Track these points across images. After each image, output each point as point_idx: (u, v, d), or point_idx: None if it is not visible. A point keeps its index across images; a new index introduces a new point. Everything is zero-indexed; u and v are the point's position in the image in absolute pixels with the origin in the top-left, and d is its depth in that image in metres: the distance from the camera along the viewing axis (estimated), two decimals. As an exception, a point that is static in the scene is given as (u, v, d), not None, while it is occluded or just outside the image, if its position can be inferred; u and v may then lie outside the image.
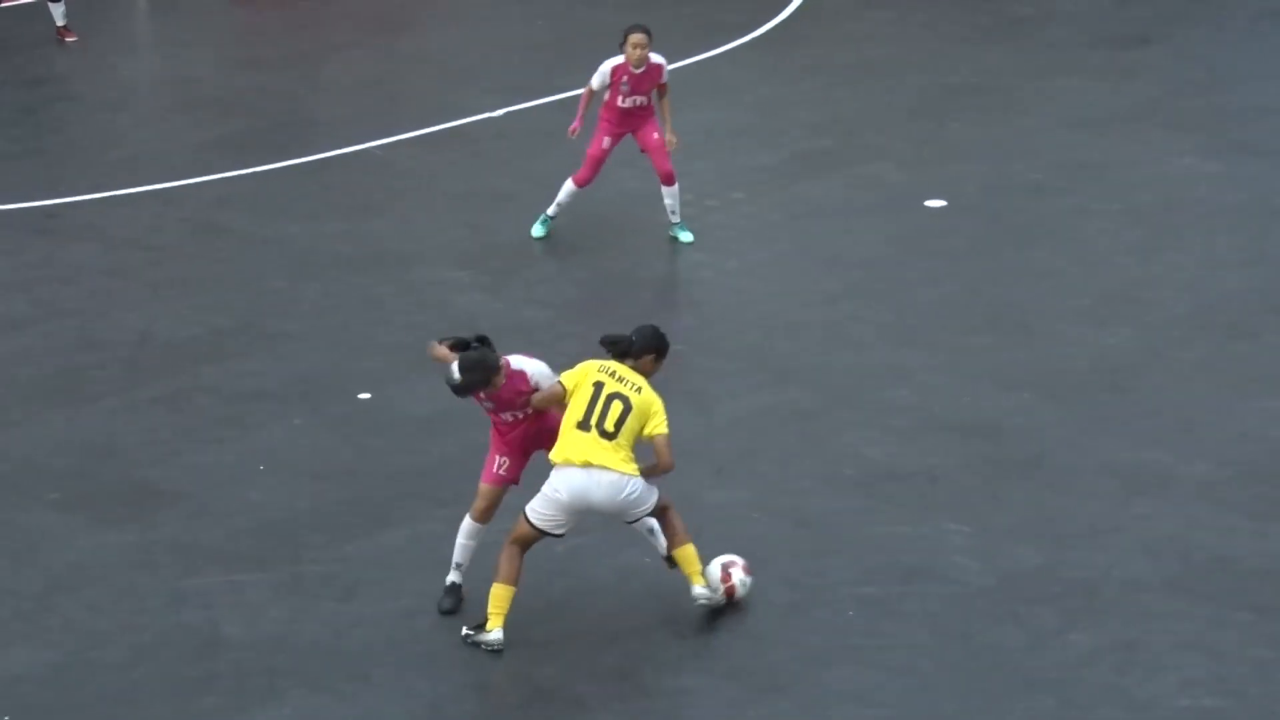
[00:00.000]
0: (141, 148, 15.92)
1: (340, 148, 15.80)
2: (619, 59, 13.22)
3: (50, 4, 18.27)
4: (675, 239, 13.65)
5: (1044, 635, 8.77)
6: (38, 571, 9.44)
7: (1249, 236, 13.36)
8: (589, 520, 9.08)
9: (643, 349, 9.03)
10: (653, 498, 8.90)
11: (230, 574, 9.43)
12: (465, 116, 16.40)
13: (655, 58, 13.19)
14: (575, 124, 13.34)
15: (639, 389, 8.89)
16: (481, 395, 8.94)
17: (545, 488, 8.81)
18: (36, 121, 16.67)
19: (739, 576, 9.06)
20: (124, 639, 8.93)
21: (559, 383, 8.93)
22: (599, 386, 8.80)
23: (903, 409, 11.02)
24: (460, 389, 8.75)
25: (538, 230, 13.69)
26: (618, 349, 9.00)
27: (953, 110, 16.22)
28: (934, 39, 18.29)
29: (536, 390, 8.99)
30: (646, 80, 13.21)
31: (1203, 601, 8.93)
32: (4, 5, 18.73)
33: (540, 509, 8.83)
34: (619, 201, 14.58)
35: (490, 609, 8.81)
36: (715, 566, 9.06)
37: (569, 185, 13.56)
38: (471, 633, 8.87)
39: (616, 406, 8.75)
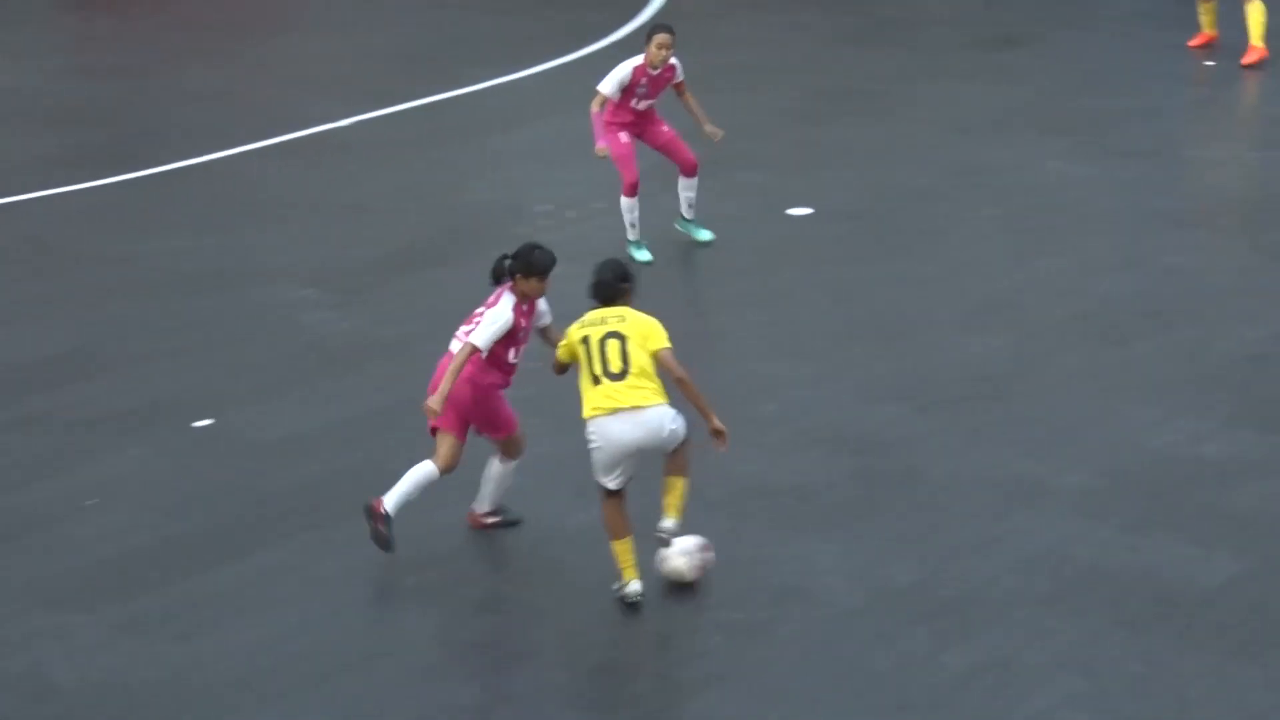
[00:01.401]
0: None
1: (182, 160, 15.56)
2: (638, 60, 13.07)
3: None
4: (691, 236, 13.54)
5: (917, 656, 8.74)
6: None
7: (1122, 240, 13.50)
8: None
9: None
10: (682, 421, 9.15)
11: (59, 615, 9.16)
12: (312, 126, 16.22)
13: (671, 58, 13.11)
14: (600, 142, 13.03)
15: (623, 318, 9.09)
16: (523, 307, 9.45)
17: (590, 440, 9.02)
18: None
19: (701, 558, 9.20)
20: (-55, 688, 8.64)
21: (561, 348, 9.22)
22: (586, 341, 9.04)
23: (771, 423, 10.98)
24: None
25: (644, 256, 13.35)
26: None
27: (824, 115, 16.28)
28: (804, 41, 18.37)
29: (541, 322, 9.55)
30: (661, 82, 13.13)
31: (1078, 616, 8.95)
32: None
33: (596, 467, 9.04)
34: (473, 212, 14.45)
35: (621, 564, 9.02)
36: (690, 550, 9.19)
37: (625, 202, 13.30)
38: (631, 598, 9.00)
39: (613, 345, 8.99)
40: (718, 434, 9.25)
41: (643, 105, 13.18)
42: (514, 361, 9.71)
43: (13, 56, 18.45)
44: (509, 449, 9.82)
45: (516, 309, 9.57)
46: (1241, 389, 11.18)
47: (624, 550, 9.15)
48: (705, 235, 13.65)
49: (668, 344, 9.15)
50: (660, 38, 13.06)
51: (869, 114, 16.23)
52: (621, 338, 9.05)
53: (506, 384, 9.74)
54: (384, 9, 19.96)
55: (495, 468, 9.88)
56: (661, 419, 9.05)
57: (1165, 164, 15.11)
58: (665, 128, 13.35)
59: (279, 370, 11.89)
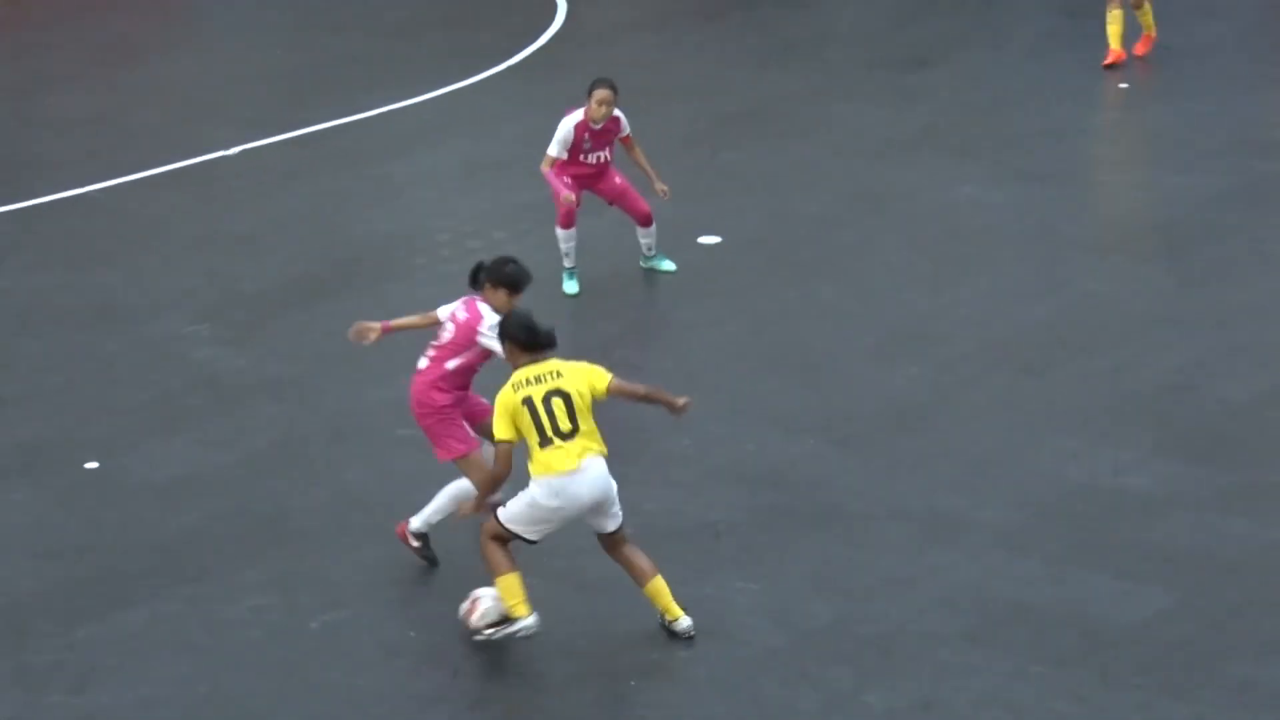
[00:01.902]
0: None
1: (59, 191, 15.48)
2: (578, 115, 13.24)
3: None
4: (655, 269, 13.72)
5: (839, 696, 8.90)
6: None
7: (1036, 267, 13.77)
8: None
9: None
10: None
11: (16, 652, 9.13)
12: (198, 155, 16.19)
13: (617, 113, 13.28)
14: (561, 194, 13.21)
15: (558, 373, 9.15)
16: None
17: (529, 496, 9.07)
18: None
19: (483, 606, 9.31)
20: None
21: (498, 443, 9.10)
22: (529, 401, 9.04)
23: (683, 459, 11.11)
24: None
25: (572, 288, 13.47)
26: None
27: (726, 139, 16.47)
28: (704, 63, 18.57)
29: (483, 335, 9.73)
30: (606, 135, 13.30)
31: (1001, 654, 9.15)
32: None
33: (519, 515, 9.10)
34: (370, 242, 14.49)
35: (509, 601, 9.10)
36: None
37: (560, 232, 13.44)
38: (495, 630, 9.11)
39: (558, 404, 9.07)
40: (684, 407, 9.47)
41: (593, 159, 13.36)
42: (467, 383, 9.93)
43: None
44: (467, 472, 9.87)
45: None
46: (1163, 418, 11.45)
47: (515, 584, 9.19)
48: (668, 265, 13.82)
49: (609, 375, 9.29)
50: (600, 93, 13.22)
51: (773, 137, 16.45)
52: (565, 395, 9.09)
53: (458, 404, 9.89)
54: (269, 31, 19.96)
55: (453, 487, 9.97)
56: (607, 474, 9.19)
57: (1079, 188, 15.43)
58: (618, 179, 13.50)
59: (169, 408, 11.88)
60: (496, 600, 9.27)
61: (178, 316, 13.20)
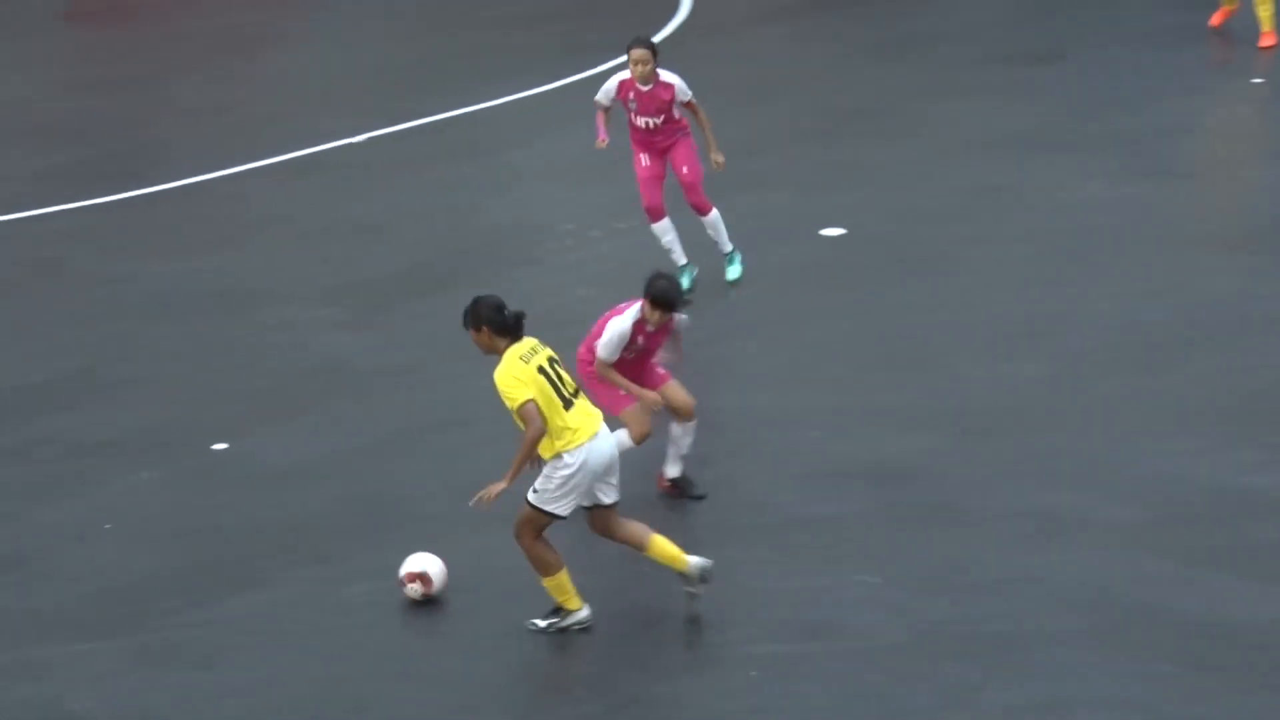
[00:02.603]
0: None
1: (188, 178, 15.63)
2: (626, 73, 12.92)
3: None
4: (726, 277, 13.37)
5: (959, 693, 8.79)
6: None
7: (1158, 264, 13.56)
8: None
9: (470, 323, 9.27)
10: None
11: (75, 643, 9.22)
12: (323, 143, 16.29)
13: (666, 76, 12.83)
14: (600, 136, 13.09)
15: (538, 346, 9.25)
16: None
17: (560, 472, 9.09)
18: None
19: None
20: (-42, 718, 8.71)
21: (526, 404, 9.02)
22: (543, 370, 9.14)
23: (802, 453, 11.03)
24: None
25: (686, 282, 13.19)
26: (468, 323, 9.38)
27: (850, 133, 16.36)
28: (827, 57, 18.46)
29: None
30: (654, 100, 12.85)
31: (1125, 654, 9.00)
32: None
33: (552, 493, 9.12)
34: (494, 232, 14.53)
35: (560, 599, 9.20)
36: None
37: (651, 228, 13.19)
38: (553, 622, 9.22)
39: (558, 369, 9.22)
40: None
41: (645, 123, 12.91)
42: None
43: (14, 69, 18.54)
44: (674, 411, 10.30)
45: (637, 325, 10.16)
46: (1288, 418, 11.23)
47: (564, 582, 9.25)
48: (734, 273, 13.47)
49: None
50: (634, 52, 12.78)
51: (893, 132, 16.31)
52: (556, 361, 9.26)
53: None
54: (391, 21, 20.06)
55: (673, 429, 10.34)
56: (611, 441, 9.34)
57: (1202, 185, 15.18)
58: (685, 169, 13.03)
59: (292, 394, 11.95)
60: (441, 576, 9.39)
61: (300, 302, 13.29)
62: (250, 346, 12.62)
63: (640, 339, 10.24)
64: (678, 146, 13.05)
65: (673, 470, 10.57)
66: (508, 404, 9.06)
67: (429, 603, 9.50)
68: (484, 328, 9.23)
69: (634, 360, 10.31)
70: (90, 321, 13.05)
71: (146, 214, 14.97)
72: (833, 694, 8.81)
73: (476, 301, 9.28)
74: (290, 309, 13.20)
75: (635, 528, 9.40)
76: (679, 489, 10.55)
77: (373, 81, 18.12)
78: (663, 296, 10.05)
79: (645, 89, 12.79)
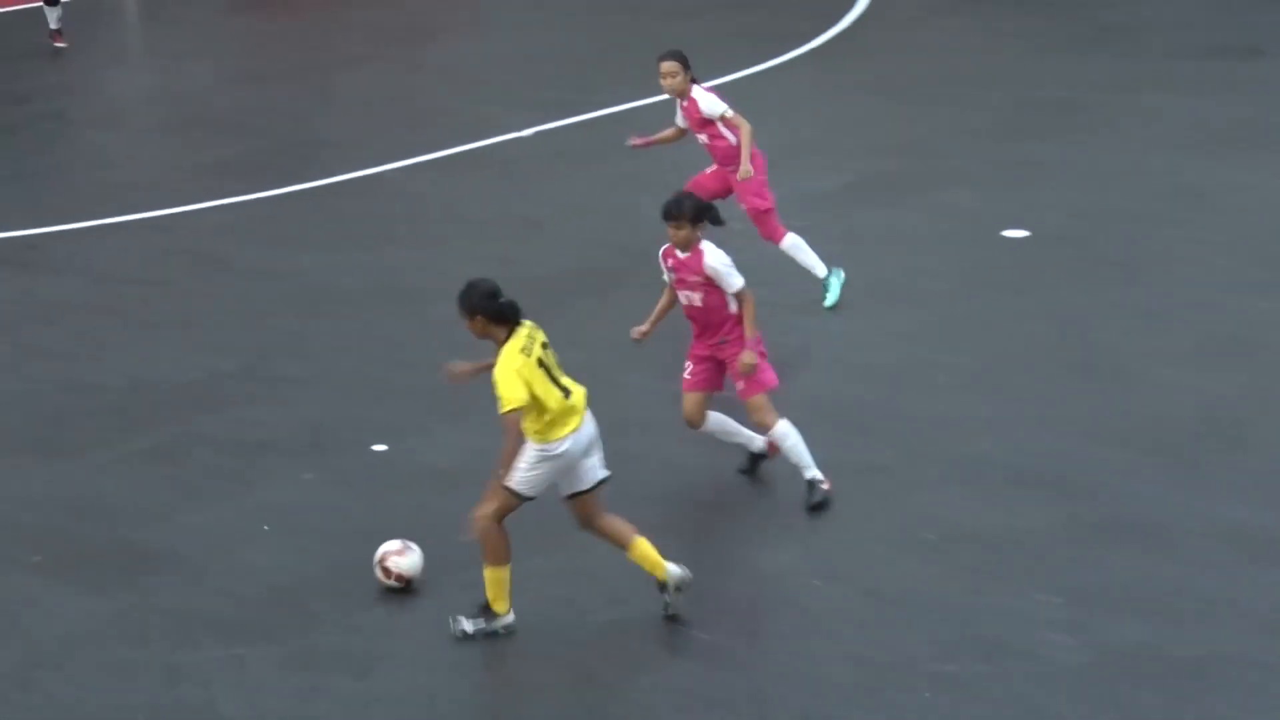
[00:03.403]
0: (134, 171, 16.00)
1: (354, 171, 15.84)
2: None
3: (45, 6, 18.43)
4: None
5: (1147, 721, 8.64)
6: (17, 643, 9.40)
7: (1372, 271, 13.25)
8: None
9: (463, 310, 9.30)
10: None
11: (231, 646, 9.37)
12: (491, 136, 16.44)
13: (697, 92, 12.82)
14: (638, 140, 13.33)
15: (534, 331, 9.30)
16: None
17: (545, 459, 9.18)
18: (18, 142, 16.77)
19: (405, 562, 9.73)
20: (113, 719, 8.87)
21: (513, 411, 9.09)
22: (543, 363, 9.23)
23: (986, 464, 10.92)
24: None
25: (830, 299, 13.21)
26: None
27: (1037, 129, 16.17)
28: (1016, 49, 18.26)
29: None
30: (690, 116, 12.94)
31: (1330, 684, 8.78)
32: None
33: (531, 479, 9.23)
34: (660, 230, 14.52)
35: (492, 594, 9.25)
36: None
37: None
38: (479, 626, 9.27)
39: (551, 355, 9.33)
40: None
41: (696, 135, 12.90)
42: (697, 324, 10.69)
43: (181, 60, 18.93)
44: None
45: (666, 250, 10.71)
46: None
47: (504, 579, 9.31)
48: (831, 297, 13.16)
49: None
50: (661, 65, 12.77)
51: (1088, 128, 16.09)
52: (546, 344, 9.36)
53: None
54: (563, 12, 20.19)
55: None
56: (593, 423, 9.43)
57: None
58: (736, 185, 12.86)
59: (456, 393, 12.00)
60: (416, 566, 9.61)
61: (467, 301, 13.37)
62: (414, 344, 12.75)
63: (670, 263, 10.58)
64: (727, 165, 12.94)
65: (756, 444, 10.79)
66: (499, 401, 9.15)
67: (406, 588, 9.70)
68: (477, 315, 9.31)
69: (699, 311, 10.53)
70: (253, 317, 13.27)
71: (311, 208, 15.19)
72: (1009, 718, 8.70)
73: (470, 287, 9.31)
74: (452, 307, 13.28)
75: (621, 525, 9.45)
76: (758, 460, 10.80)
77: (541, 74, 18.25)
78: (663, 207, 10.40)
79: (684, 104, 12.85)
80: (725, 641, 9.38)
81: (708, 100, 12.83)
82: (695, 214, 10.50)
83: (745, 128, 12.78)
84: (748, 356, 10.52)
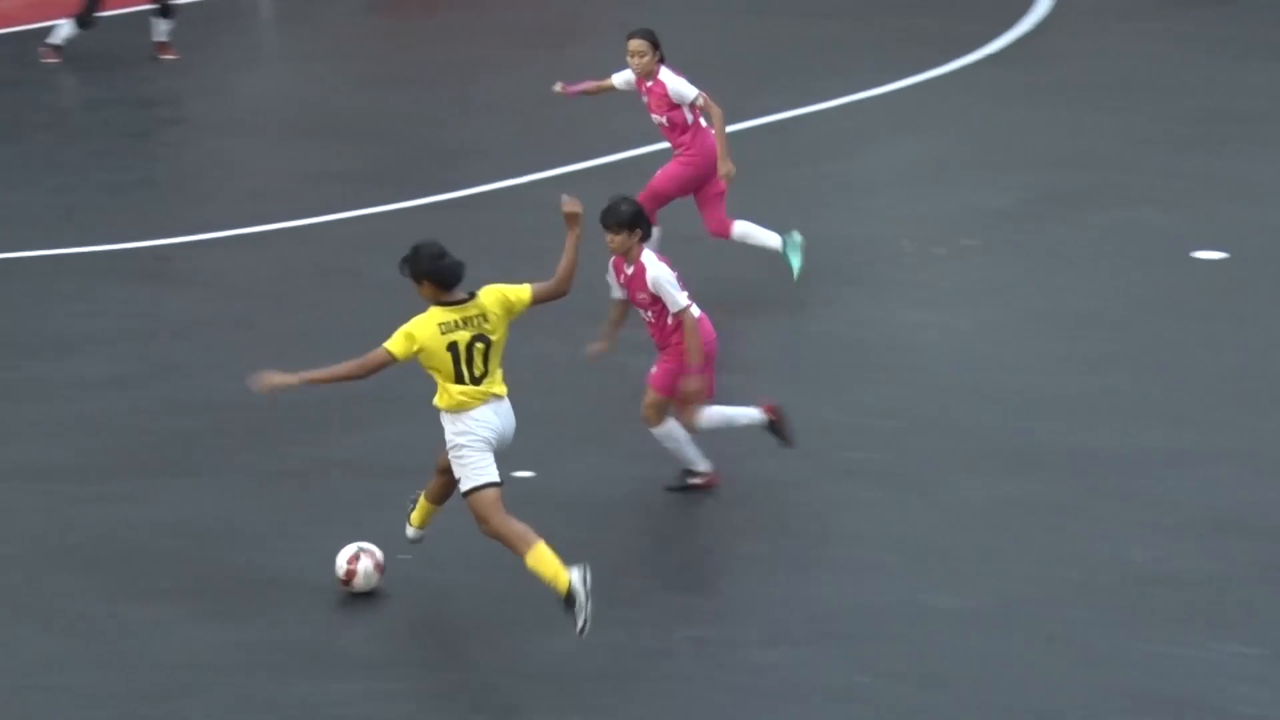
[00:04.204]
0: (263, 179, 16.26)
1: (495, 181, 15.99)
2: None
3: (153, 18, 18.77)
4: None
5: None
6: (146, 673, 9.58)
7: None
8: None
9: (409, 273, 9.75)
10: None
11: (372, 681, 9.49)
12: (641, 146, 16.50)
13: (665, 73, 13.32)
14: (570, 87, 13.95)
15: (482, 314, 9.76)
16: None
17: (459, 438, 9.69)
18: (147, 148, 17.11)
19: (365, 566, 10.00)
20: (246, 755, 9.05)
21: (380, 354, 9.73)
22: (454, 347, 9.64)
23: (1175, 503, 10.83)
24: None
25: (796, 260, 13.70)
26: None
27: (1230, 141, 16.02)
28: (1209, 55, 18.11)
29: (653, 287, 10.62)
30: (653, 96, 13.38)
31: None
32: (108, 14, 19.24)
33: (475, 462, 9.71)
34: (823, 248, 14.56)
35: (549, 575, 9.48)
36: (350, 549, 10.05)
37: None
38: (575, 616, 9.41)
39: (479, 350, 9.71)
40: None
41: (654, 118, 13.37)
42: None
43: (316, 62, 19.21)
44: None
45: (615, 262, 11.06)
46: None
47: (546, 551, 9.52)
48: (795, 262, 13.63)
49: (526, 286, 9.98)
50: (628, 44, 13.35)
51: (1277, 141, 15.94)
52: (487, 341, 9.69)
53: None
54: (717, 14, 20.26)
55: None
56: (509, 417, 9.91)
57: None
58: (669, 164, 13.45)
59: (602, 419, 12.13)
60: (374, 568, 9.98)
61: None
62: (559, 366, 12.85)
63: (621, 278, 10.87)
64: (681, 149, 13.40)
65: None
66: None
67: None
68: (424, 280, 9.72)
69: (655, 329, 10.84)
70: (388, 334, 13.41)
71: (447, 220, 15.34)
72: (1204, 779, 8.64)
73: (415, 250, 9.71)
74: (602, 327, 13.39)
75: (521, 524, 9.70)
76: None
77: (697, 78, 18.24)
78: (601, 213, 10.62)
79: (649, 84, 13.30)
80: (894, 688, 9.38)
81: (678, 84, 13.32)
82: (632, 220, 10.73)
83: (717, 113, 13.24)
84: (691, 384, 10.69)
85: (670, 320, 10.79)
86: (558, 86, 14.00)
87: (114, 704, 9.34)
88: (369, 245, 14.82)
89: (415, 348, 9.69)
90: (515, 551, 9.64)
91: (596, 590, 9.99)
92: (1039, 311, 13.39)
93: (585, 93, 13.99)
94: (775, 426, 11.15)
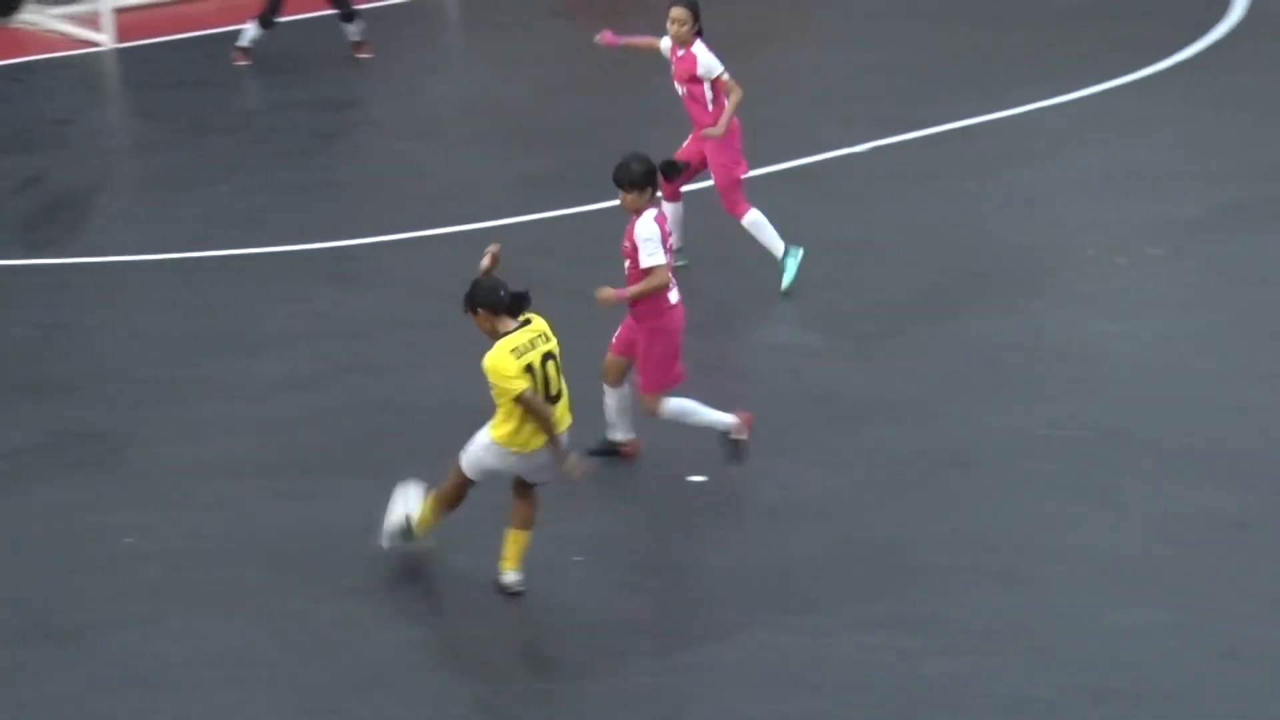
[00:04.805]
0: (448, 182, 16.47)
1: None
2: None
3: (343, 23, 19.12)
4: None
5: None
6: (327, 671, 9.76)
7: None
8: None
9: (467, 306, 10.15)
10: None
11: (545, 681, 9.63)
12: (825, 152, 16.55)
13: (698, 48, 13.61)
14: (611, 38, 14.21)
15: (546, 334, 10.13)
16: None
17: (485, 454, 10.15)
18: (332, 150, 17.41)
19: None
20: (420, 751, 9.21)
21: (525, 394, 9.95)
22: (531, 369, 9.97)
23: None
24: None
25: (787, 275, 13.89)
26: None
27: None
28: None
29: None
30: (680, 66, 13.71)
31: None
32: (297, 18, 19.63)
33: (481, 467, 10.20)
34: (1005, 256, 14.52)
35: (422, 519, 10.33)
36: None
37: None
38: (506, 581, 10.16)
39: (552, 367, 10.08)
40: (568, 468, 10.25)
41: (677, 87, 13.72)
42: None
43: (502, 66, 19.43)
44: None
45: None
46: None
47: (429, 512, 10.27)
48: (787, 278, 13.73)
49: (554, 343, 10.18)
50: (670, 11, 13.61)
51: None
52: (555, 357, 10.05)
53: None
54: (904, 21, 20.22)
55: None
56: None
57: None
58: (709, 156, 13.64)
59: (780, 425, 12.17)
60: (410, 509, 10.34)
61: (795, 325, 13.54)
62: (738, 371, 12.93)
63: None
64: (709, 154, 13.70)
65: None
66: (499, 395, 9.94)
67: None
68: (480, 310, 10.05)
69: (629, 278, 11.16)
70: (571, 338, 13.53)
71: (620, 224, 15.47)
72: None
73: (474, 284, 10.15)
74: (781, 331, 13.48)
75: (527, 512, 10.21)
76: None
77: (880, 85, 18.31)
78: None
79: (680, 54, 13.66)
80: (1070, 702, 9.36)
81: (708, 59, 13.66)
82: (637, 179, 11.06)
83: (736, 93, 13.56)
84: (602, 292, 11.13)
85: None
86: (600, 37, 14.39)
87: (289, 698, 9.54)
88: (549, 248, 14.96)
89: (524, 365, 9.96)
90: (434, 503, 10.29)
91: (768, 597, 10.09)
92: (1223, 323, 13.26)
93: (629, 46, 14.30)
94: (735, 442, 11.33)
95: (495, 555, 10.45)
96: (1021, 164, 16.20)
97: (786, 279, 13.84)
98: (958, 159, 16.42)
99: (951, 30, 19.69)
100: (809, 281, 14.25)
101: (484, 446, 10.18)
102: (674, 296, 11.23)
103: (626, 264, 11.29)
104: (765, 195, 15.85)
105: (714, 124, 13.59)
